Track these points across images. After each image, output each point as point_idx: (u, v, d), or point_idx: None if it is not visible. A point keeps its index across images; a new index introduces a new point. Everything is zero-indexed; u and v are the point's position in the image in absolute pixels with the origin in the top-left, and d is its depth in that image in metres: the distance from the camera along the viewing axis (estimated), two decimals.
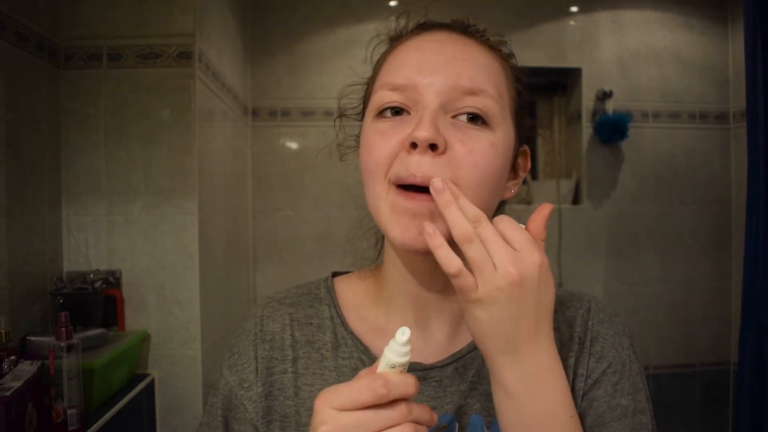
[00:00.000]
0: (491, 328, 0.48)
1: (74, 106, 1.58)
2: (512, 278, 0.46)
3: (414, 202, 0.53)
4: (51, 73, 1.53)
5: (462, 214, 0.48)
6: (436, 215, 0.51)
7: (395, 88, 0.56)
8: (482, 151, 0.54)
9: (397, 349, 0.43)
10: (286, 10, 2.40)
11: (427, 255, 0.49)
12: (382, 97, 0.57)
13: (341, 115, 0.69)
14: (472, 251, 0.47)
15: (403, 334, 0.43)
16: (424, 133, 0.51)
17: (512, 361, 0.48)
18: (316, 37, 2.40)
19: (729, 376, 2.56)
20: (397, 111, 0.56)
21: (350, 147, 0.69)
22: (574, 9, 2.52)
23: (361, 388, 0.42)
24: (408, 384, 0.43)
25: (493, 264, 0.46)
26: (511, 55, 0.63)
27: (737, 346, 1.52)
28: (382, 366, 0.44)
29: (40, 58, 1.48)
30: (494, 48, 0.61)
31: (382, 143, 0.55)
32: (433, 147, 0.52)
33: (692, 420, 2.58)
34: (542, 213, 0.51)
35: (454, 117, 0.55)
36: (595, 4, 2.52)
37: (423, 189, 0.52)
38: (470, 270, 0.47)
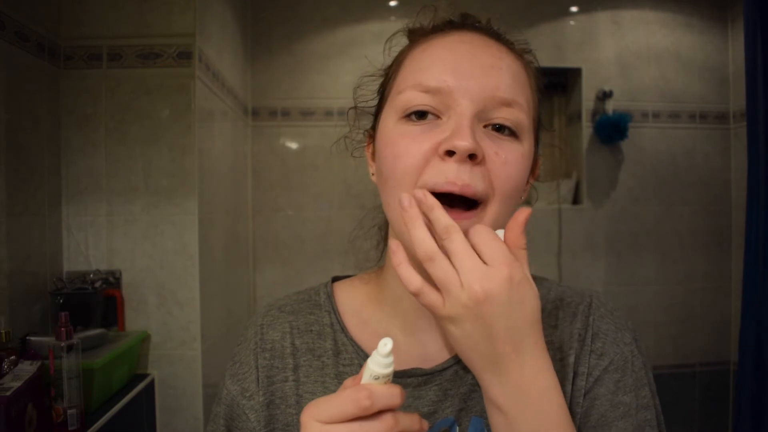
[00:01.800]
0: (466, 345, 0.47)
1: (74, 107, 1.58)
2: (477, 296, 0.44)
3: None
4: (51, 73, 1.53)
5: (426, 232, 0.47)
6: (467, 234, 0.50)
7: (427, 90, 0.53)
8: (515, 162, 0.53)
9: (380, 360, 0.42)
10: (286, 10, 2.39)
11: None
12: (412, 98, 0.54)
13: (356, 106, 0.66)
14: (434, 270, 0.46)
15: (386, 345, 0.42)
16: (465, 143, 0.49)
17: (496, 377, 0.47)
18: (316, 37, 2.40)
19: (729, 376, 2.56)
20: (424, 114, 0.53)
21: (360, 142, 0.66)
22: (574, 9, 2.52)
23: (345, 400, 0.42)
24: (393, 395, 0.42)
25: (460, 280, 0.45)
26: (533, 62, 0.61)
27: (737, 346, 1.52)
28: (365, 378, 0.43)
29: (40, 58, 1.48)
30: (521, 56, 0.59)
31: (413, 148, 0.52)
32: (471, 156, 0.50)
33: (692, 420, 2.58)
34: (518, 220, 0.49)
35: (485, 126, 0.53)
36: (595, 4, 2.52)
37: (454, 202, 0.51)
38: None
